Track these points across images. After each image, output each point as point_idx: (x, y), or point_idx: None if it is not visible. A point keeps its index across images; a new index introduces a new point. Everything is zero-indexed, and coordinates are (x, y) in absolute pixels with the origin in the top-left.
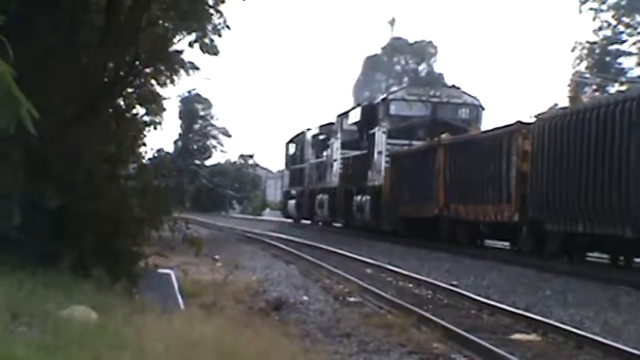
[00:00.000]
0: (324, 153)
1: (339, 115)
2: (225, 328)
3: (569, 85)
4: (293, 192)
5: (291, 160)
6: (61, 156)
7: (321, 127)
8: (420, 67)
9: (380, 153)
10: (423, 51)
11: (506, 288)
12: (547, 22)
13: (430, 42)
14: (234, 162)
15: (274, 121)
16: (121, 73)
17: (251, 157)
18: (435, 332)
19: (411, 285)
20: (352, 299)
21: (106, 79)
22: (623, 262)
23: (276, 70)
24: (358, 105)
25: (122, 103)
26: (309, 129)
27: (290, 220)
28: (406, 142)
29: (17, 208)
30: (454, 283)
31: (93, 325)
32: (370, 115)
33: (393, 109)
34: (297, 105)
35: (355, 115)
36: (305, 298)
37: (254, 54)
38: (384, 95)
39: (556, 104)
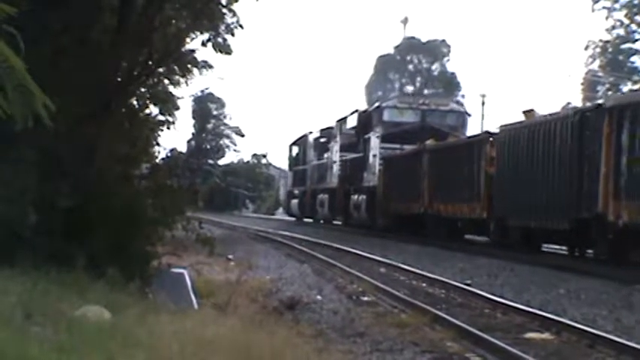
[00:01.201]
0: (325, 155)
1: (338, 120)
2: (239, 328)
3: (582, 84)
4: (296, 192)
5: (294, 161)
6: (75, 156)
7: (321, 130)
8: (433, 67)
9: (374, 156)
10: (436, 50)
11: (519, 287)
12: (560, 21)
13: (443, 41)
14: (248, 161)
15: (288, 120)
16: (134, 72)
17: (264, 156)
18: (448, 331)
19: (424, 284)
20: (366, 298)
21: (119, 79)
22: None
23: (289, 69)
24: (355, 111)
25: (135, 102)
26: (311, 132)
27: (293, 219)
28: (398, 146)
29: (31, 208)
30: (468, 282)
31: (106, 324)
32: (366, 120)
33: (386, 115)
34: (310, 104)
35: (352, 121)
36: (319, 297)
37: (267, 53)
38: (378, 103)
39: (569, 103)
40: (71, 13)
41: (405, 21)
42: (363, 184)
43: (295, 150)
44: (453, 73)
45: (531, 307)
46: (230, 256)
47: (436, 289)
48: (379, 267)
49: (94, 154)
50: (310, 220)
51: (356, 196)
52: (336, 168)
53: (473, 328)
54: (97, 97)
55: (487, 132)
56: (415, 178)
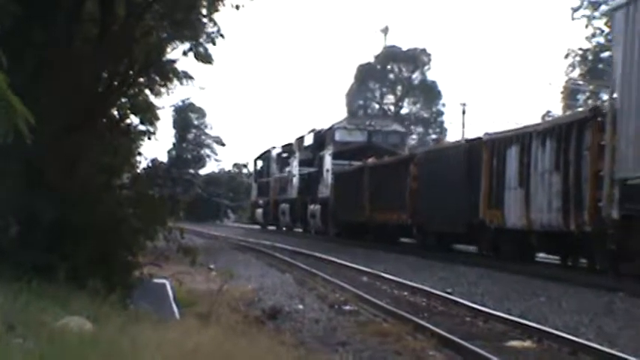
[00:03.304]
0: (286, 169)
1: (297, 138)
2: (221, 338)
3: (562, 92)
4: (260, 202)
5: (258, 174)
6: (57, 167)
7: (283, 146)
8: (414, 76)
9: (327, 171)
10: (416, 59)
11: (500, 295)
12: (541, 30)
13: (424, 50)
14: (229, 171)
15: (269, 128)
16: (115, 82)
17: (245, 166)
18: (430, 340)
19: (405, 293)
20: (347, 307)
21: (100, 89)
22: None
23: (270, 78)
24: (312, 131)
25: (116, 112)
26: (274, 147)
27: (258, 227)
28: (347, 162)
29: (13, 220)
30: (448, 290)
31: (88, 335)
32: (320, 139)
33: (337, 136)
34: (291, 113)
35: (309, 139)
36: (300, 306)
37: (248, 62)
38: (331, 125)
39: (549, 111)
40: (52, 25)
41: (385, 30)
42: (318, 196)
43: (260, 163)
44: (433, 82)
45: (512, 315)
46: (212, 266)
47: (417, 297)
48: (361, 276)
49: (76, 165)
50: (274, 228)
51: (312, 206)
52: (295, 181)
53: (454, 337)
54: (78, 108)
55: (411, 153)
56: (359, 190)
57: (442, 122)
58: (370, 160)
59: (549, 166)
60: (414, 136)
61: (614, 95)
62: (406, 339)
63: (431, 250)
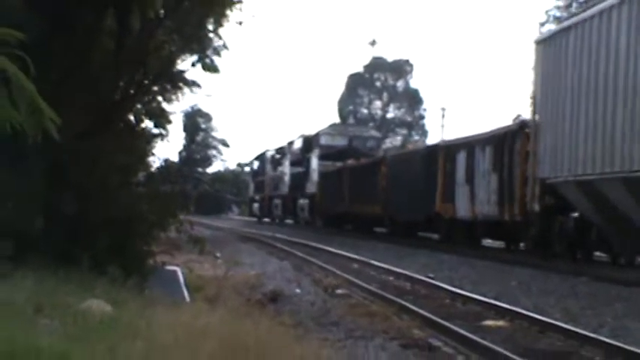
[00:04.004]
0: (279, 169)
1: (288, 142)
2: (227, 319)
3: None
4: (256, 197)
5: (254, 173)
6: (78, 166)
7: (276, 149)
8: (398, 84)
9: (314, 170)
10: (400, 69)
11: (477, 280)
12: (515, 41)
13: (407, 61)
14: (233, 170)
15: (269, 130)
16: (131, 91)
17: (247, 165)
18: (414, 320)
19: (391, 278)
20: (339, 291)
21: (117, 97)
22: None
23: (270, 85)
24: (301, 136)
25: (132, 117)
26: (268, 150)
27: (255, 219)
28: (331, 163)
29: (40, 214)
30: (431, 275)
31: (108, 317)
32: (308, 143)
33: (322, 140)
34: (288, 117)
35: (299, 143)
36: (297, 290)
37: (251, 71)
38: (317, 131)
39: (519, 115)
40: (74, 37)
41: (372, 43)
42: (306, 191)
43: (256, 164)
44: (415, 90)
45: (488, 298)
46: (218, 254)
47: (402, 282)
48: (351, 262)
49: (96, 165)
50: (268, 220)
51: (301, 200)
52: (287, 179)
53: (436, 317)
54: (98, 114)
55: (382, 156)
56: (341, 187)
57: (424, 125)
58: (350, 162)
59: (489, 168)
60: (398, 138)
61: (536, 115)
62: (393, 319)
63: (399, 236)
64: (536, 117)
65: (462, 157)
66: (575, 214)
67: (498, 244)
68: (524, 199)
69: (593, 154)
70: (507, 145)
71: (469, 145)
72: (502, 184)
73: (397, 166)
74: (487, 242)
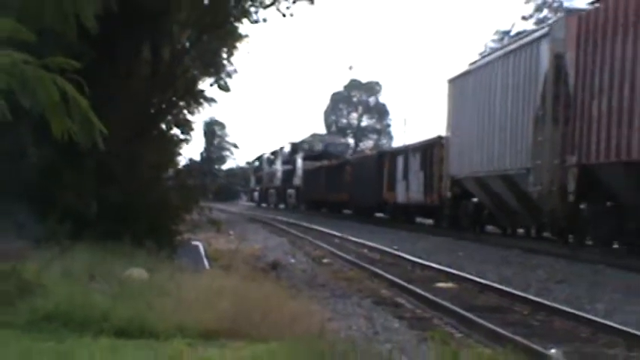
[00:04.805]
0: (273, 167)
1: (280, 147)
2: (238, 282)
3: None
4: (256, 188)
5: (255, 170)
6: (121, 165)
7: (271, 152)
8: (370, 99)
9: (299, 168)
10: (372, 88)
11: (432, 251)
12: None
13: (377, 82)
14: (242, 166)
15: (269, 135)
16: (163, 105)
17: (251, 163)
18: (383, 283)
19: (369, 251)
20: (325, 261)
21: (152, 111)
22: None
23: (271, 99)
24: (289, 143)
25: (164, 126)
26: (265, 153)
27: (254, 204)
28: (311, 163)
29: (94, 202)
30: (395, 247)
31: (146, 280)
32: (295, 148)
33: (305, 146)
34: (285, 124)
35: (288, 147)
36: (292, 260)
37: (256, 88)
38: (302, 139)
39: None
40: (118, 64)
41: (350, 68)
42: (293, 184)
43: (256, 163)
44: (384, 104)
45: (440, 265)
46: (231, 232)
47: (376, 254)
48: (334, 238)
49: (136, 164)
50: (265, 205)
51: (290, 190)
52: (279, 174)
53: (400, 280)
54: (136, 124)
55: (348, 159)
56: (318, 181)
57: (390, 132)
58: (325, 162)
59: (418, 168)
60: (370, 142)
61: (448, 132)
62: (366, 282)
63: (361, 216)
64: (448, 133)
65: (400, 160)
66: (474, 200)
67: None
68: (440, 190)
69: (482, 159)
70: (429, 152)
71: (405, 151)
72: (426, 179)
73: (358, 166)
74: (421, 220)
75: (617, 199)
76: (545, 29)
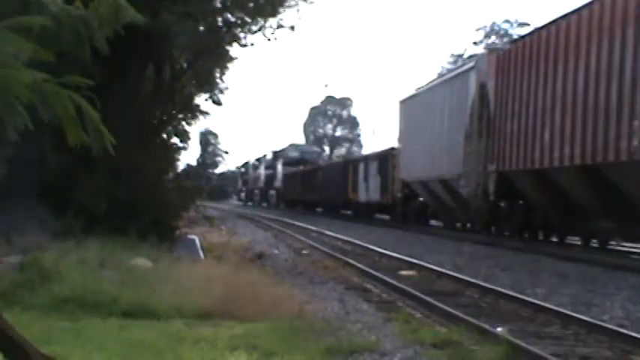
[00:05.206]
0: (257, 171)
1: (263, 155)
2: (229, 270)
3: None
4: (243, 189)
5: (242, 174)
6: (129, 170)
7: (256, 159)
8: (343, 113)
9: (279, 173)
10: (344, 103)
11: (396, 244)
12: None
13: (349, 98)
14: (232, 171)
15: (255, 143)
16: (164, 118)
17: (239, 168)
18: (354, 271)
19: (342, 243)
20: (304, 252)
21: (155, 122)
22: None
23: (257, 112)
24: (272, 151)
25: (165, 136)
26: (250, 159)
27: (241, 203)
28: (290, 168)
29: (104, 201)
30: (364, 241)
31: (149, 269)
32: (276, 155)
33: (285, 154)
34: (269, 134)
35: (269, 155)
36: (276, 251)
37: (244, 101)
38: (282, 148)
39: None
40: (125, 82)
41: (326, 86)
42: (274, 186)
43: (243, 168)
44: (354, 117)
45: (403, 255)
46: (222, 227)
47: (348, 246)
48: (311, 232)
49: (140, 168)
50: (250, 203)
51: (271, 191)
52: (262, 178)
53: (368, 268)
54: (141, 134)
55: (319, 165)
56: (295, 183)
57: (360, 141)
58: (301, 167)
59: (375, 173)
60: (343, 150)
61: (399, 144)
62: (340, 270)
63: (330, 212)
64: (400, 145)
65: (362, 166)
66: (420, 199)
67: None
68: (393, 191)
69: (425, 166)
70: (385, 160)
71: (366, 160)
72: (382, 182)
73: (327, 171)
74: (379, 216)
75: (526, 199)
76: (473, 63)
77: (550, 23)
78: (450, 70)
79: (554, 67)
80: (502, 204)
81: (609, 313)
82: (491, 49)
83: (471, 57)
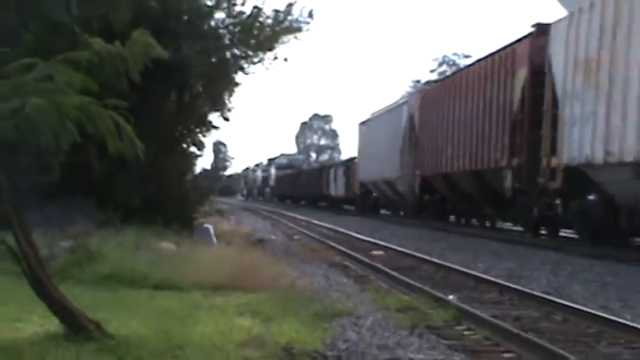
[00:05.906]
0: (255, 174)
1: (260, 162)
2: (236, 252)
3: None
4: (245, 188)
5: (244, 176)
6: (156, 173)
7: (255, 165)
8: (326, 127)
9: (272, 175)
10: (327, 119)
11: (370, 230)
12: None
13: (330, 115)
14: (238, 173)
15: (256, 151)
16: (184, 131)
17: (243, 171)
18: (335, 252)
19: (326, 230)
20: (296, 237)
21: (176, 134)
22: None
23: (257, 126)
24: (268, 158)
25: (185, 146)
26: (250, 165)
27: (243, 198)
28: (281, 172)
29: (137, 197)
30: (341, 227)
31: (173, 251)
32: (270, 162)
33: (277, 161)
34: (267, 144)
35: (265, 162)
36: (273, 237)
37: (248, 117)
38: (275, 156)
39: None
40: (153, 103)
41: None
42: (269, 184)
43: (244, 173)
44: (335, 130)
45: (374, 239)
46: (231, 218)
47: (330, 232)
48: (301, 222)
49: (165, 172)
50: (250, 198)
51: (267, 189)
52: (259, 179)
53: (346, 249)
54: (165, 144)
55: (302, 169)
56: (285, 183)
57: (339, 149)
58: (289, 171)
59: (342, 175)
60: (326, 156)
61: (359, 155)
62: (324, 252)
63: (310, 204)
64: (359, 156)
65: (332, 171)
66: (374, 195)
67: (384, 212)
68: (355, 188)
69: (376, 170)
70: (349, 166)
71: (336, 165)
72: (347, 182)
73: (308, 174)
74: (345, 207)
75: (440, 193)
76: (405, 99)
77: (454, 73)
78: (394, 103)
79: (454, 104)
80: (425, 197)
81: (536, 282)
82: (418, 89)
83: (427, 82)
